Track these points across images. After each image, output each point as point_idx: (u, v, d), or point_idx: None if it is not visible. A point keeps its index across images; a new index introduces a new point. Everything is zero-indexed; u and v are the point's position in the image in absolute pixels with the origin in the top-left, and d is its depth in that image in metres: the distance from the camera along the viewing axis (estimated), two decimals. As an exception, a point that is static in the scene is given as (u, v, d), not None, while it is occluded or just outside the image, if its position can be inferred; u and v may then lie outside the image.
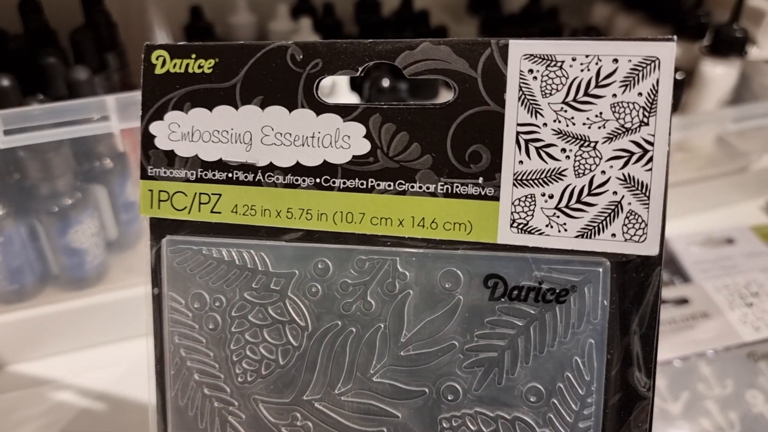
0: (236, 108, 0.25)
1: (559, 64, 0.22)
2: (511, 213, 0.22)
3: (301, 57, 0.24)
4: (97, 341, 0.47)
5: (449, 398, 0.24)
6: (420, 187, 0.23)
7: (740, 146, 0.61)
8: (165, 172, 0.25)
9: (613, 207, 0.22)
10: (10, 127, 0.35)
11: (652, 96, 0.21)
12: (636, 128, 0.21)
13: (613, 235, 0.22)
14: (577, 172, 0.22)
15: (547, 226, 0.22)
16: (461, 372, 0.23)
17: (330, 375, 0.25)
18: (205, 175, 0.25)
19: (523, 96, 0.22)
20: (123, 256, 0.48)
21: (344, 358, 0.24)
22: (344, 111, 0.24)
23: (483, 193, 0.22)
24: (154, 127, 0.25)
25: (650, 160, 0.22)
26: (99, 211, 0.45)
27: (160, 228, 0.26)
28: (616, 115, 0.22)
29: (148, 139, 0.25)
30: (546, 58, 0.22)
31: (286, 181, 0.24)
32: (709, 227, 0.59)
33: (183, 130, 0.25)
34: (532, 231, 0.22)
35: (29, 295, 0.45)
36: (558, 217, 0.22)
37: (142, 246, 0.49)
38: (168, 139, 0.25)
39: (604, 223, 0.22)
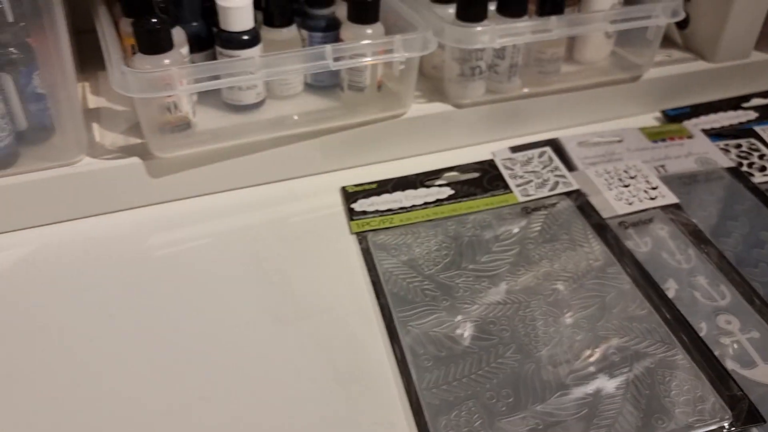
0: None
1: None
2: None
3: None
4: (7, 226, 0.50)
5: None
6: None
7: (633, 59, 0.65)
8: None
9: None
10: None
11: None
12: None
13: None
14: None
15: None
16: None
17: None
18: None
19: None
20: (34, 147, 0.51)
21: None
22: None
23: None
24: None
25: None
26: (5, 97, 0.48)
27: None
28: None
29: None
30: None
31: None
32: (603, 132, 0.63)
33: None
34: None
35: (-62, 176, 0.48)
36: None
37: (55, 139, 0.52)
38: None
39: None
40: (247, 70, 0.48)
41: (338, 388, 0.40)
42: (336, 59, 0.50)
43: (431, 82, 0.61)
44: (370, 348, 0.43)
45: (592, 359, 0.40)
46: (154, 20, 0.48)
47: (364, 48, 0.52)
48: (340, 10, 0.57)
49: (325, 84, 0.58)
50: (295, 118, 0.56)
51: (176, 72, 0.47)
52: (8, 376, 0.40)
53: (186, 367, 0.41)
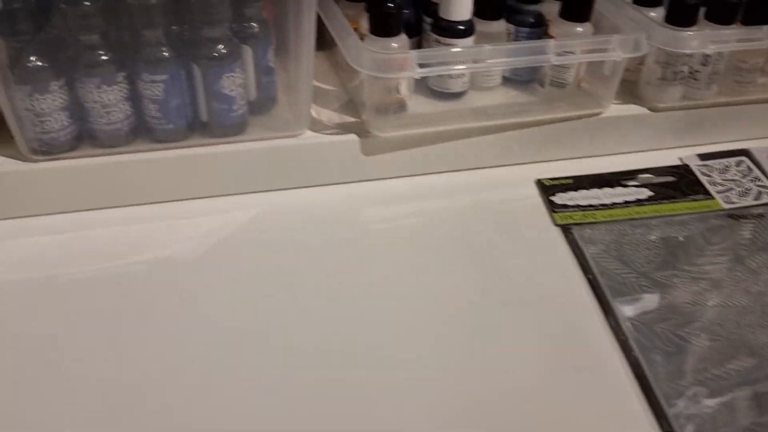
0: None
1: None
2: None
3: None
4: (235, 189, 0.53)
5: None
6: None
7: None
8: None
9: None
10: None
11: None
12: None
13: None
14: None
15: None
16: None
17: None
18: None
19: None
20: (259, 117, 0.54)
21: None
22: None
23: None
24: None
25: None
26: (245, 67, 0.51)
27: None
28: None
29: None
30: None
31: None
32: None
33: None
34: None
35: (180, 137, 0.51)
36: None
37: (277, 109, 0.55)
38: None
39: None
40: (479, 59, 0.50)
41: (568, 372, 0.41)
42: (557, 54, 0.52)
43: (623, 83, 0.61)
44: (593, 337, 0.43)
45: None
46: (390, 5, 0.50)
47: (581, 45, 0.53)
48: (548, 7, 0.58)
49: (522, 78, 0.60)
50: (493, 111, 0.57)
51: (414, 55, 0.49)
52: (234, 323, 0.43)
53: (401, 339, 0.43)
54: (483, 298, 0.46)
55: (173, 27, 0.47)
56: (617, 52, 0.53)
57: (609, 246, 0.50)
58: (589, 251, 0.49)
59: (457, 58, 0.50)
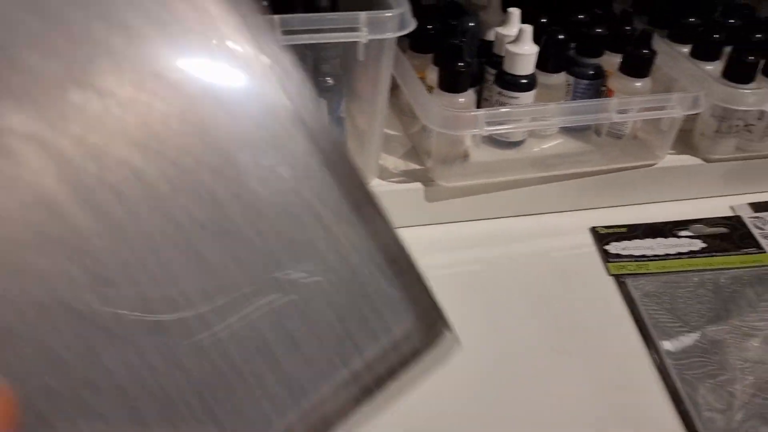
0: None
1: None
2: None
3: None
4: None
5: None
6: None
7: None
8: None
9: None
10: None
11: None
12: None
13: None
14: None
15: None
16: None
17: None
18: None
19: None
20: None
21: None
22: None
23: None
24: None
25: None
26: (320, 119, 0.54)
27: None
28: None
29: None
30: None
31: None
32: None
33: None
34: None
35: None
36: None
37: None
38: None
39: None
40: (543, 117, 0.52)
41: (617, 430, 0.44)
42: (618, 112, 0.54)
43: (677, 133, 0.63)
44: (644, 392, 0.46)
45: None
46: (461, 64, 0.53)
47: (641, 103, 0.55)
48: (606, 60, 0.60)
49: (579, 127, 0.62)
50: (551, 161, 0.59)
51: (482, 114, 0.51)
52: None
53: (457, 383, 0.46)
54: (539, 345, 0.48)
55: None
56: (676, 110, 0.55)
57: (662, 298, 0.52)
58: (643, 304, 0.51)
59: (522, 116, 0.53)
